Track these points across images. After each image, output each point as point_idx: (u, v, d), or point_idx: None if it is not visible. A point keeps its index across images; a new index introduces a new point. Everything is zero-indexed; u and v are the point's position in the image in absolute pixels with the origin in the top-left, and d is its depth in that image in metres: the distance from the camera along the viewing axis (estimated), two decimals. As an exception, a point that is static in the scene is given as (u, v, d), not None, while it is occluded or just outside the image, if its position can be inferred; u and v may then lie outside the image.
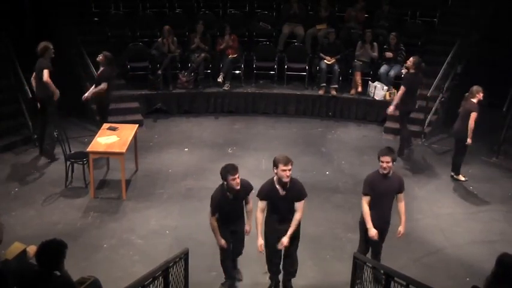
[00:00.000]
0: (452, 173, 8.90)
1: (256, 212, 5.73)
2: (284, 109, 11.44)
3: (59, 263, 4.06)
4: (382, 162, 5.85)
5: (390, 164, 5.84)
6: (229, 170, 5.58)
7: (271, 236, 5.79)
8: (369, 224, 5.92)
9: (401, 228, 6.07)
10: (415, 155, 9.74)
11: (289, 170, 5.54)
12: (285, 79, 11.67)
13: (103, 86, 8.94)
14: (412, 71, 9.22)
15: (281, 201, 5.67)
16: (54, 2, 11.65)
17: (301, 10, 12.14)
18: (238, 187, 5.61)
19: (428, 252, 7.06)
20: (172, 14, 12.45)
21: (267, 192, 5.67)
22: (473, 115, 8.17)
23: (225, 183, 5.64)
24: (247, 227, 5.98)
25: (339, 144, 10.12)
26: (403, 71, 10.70)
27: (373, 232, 5.91)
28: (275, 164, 5.58)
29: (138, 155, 8.94)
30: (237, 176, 5.58)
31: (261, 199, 5.69)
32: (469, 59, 11.03)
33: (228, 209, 5.78)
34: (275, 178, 5.65)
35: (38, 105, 8.98)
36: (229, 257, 6.08)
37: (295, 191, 5.66)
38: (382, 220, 6.00)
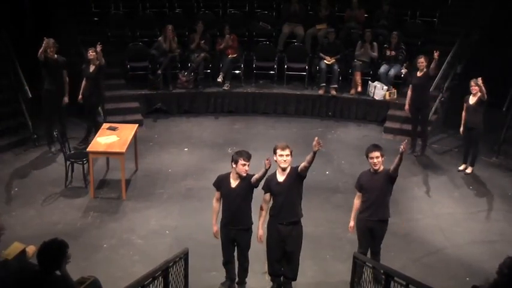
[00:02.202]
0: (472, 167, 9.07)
1: (261, 203, 5.77)
2: (284, 109, 11.44)
3: (60, 263, 4.06)
4: (372, 158, 5.91)
5: (380, 159, 5.89)
6: (242, 154, 5.60)
7: (272, 237, 5.76)
8: (351, 217, 6.21)
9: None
10: (414, 154, 9.73)
11: (287, 155, 5.59)
12: (284, 79, 11.67)
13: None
14: None
15: (279, 193, 5.64)
16: (54, 2, 11.64)
17: (301, 10, 12.14)
18: (245, 174, 5.61)
19: (428, 252, 7.06)
20: (172, 14, 12.46)
21: (268, 182, 5.72)
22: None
23: (234, 166, 5.61)
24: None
25: (339, 144, 10.11)
26: (403, 70, 10.71)
27: (350, 224, 6.22)
28: (274, 151, 5.66)
29: (138, 155, 8.94)
30: (247, 163, 5.59)
31: (265, 191, 5.75)
32: (469, 59, 11.03)
33: (225, 199, 5.73)
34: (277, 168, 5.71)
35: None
36: (232, 261, 6.02)
37: (294, 174, 5.65)
38: (373, 217, 5.97)
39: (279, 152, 5.61)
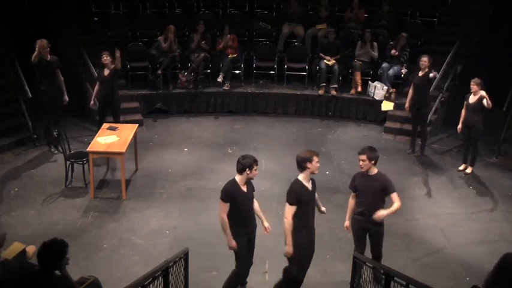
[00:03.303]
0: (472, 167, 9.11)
1: (287, 219, 5.47)
2: (284, 109, 11.44)
3: (60, 263, 4.06)
4: (359, 160, 5.90)
5: (366, 162, 5.80)
6: (255, 160, 5.54)
7: (304, 250, 5.67)
8: (346, 217, 6.18)
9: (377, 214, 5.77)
10: (415, 155, 9.74)
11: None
12: (284, 79, 11.67)
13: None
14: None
15: (310, 200, 5.64)
16: (54, 2, 11.65)
17: (301, 9, 12.15)
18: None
19: (428, 252, 7.06)
20: (172, 14, 12.46)
21: (300, 194, 5.50)
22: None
23: (249, 172, 5.50)
24: (265, 224, 5.82)
25: (339, 144, 10.12)
26: (403, 70, 10.72)
27: (345, 224, 6.18)
28: (308, 159, 5.52)
29: (138, 155, 8.94)
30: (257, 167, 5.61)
31: (292, 203, 5.47)
32: (469, 58, 11.03)
33: (243, 205, 5.59)
34: (301, 177, 5.56)
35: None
36: (247, 275, 5.91)
37: (315, 186, 5.75)
38: (366, 219, 5.93)
39: (315, 159, 5.58)
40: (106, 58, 9.04)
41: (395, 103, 10.74)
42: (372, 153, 5.84)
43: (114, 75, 9.17)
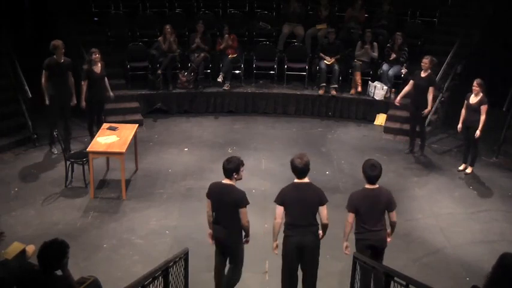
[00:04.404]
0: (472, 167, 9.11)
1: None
2: (284, 109, 11.44)
3: (60, 263, 4.07)
4: None
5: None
6: (241, 161, 5.56)
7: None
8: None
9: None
10: (414, 155, 9.74)
11: None
12: (284, 79, 11.67)
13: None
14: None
15: None
16: (55, 2, 11.65)
17: (301, 9, 12.16)
18: None
19: (428, 252, 7.06)
20: (172, 14, 12.46)
21: None
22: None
23: (235, 176, 5.54)
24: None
25: (339, 144, 10.11)
26: (403, 70, 10.71)
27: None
28: None
29: (138, 155, 8.94)
30: None
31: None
32: (469, 59, 11.03)
33: None
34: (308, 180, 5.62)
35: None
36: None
37: None
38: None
39: None
40: (96, 56, 9.01)
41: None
42: (364, 166, 5.72)
43: (104, 71, 9.13)
